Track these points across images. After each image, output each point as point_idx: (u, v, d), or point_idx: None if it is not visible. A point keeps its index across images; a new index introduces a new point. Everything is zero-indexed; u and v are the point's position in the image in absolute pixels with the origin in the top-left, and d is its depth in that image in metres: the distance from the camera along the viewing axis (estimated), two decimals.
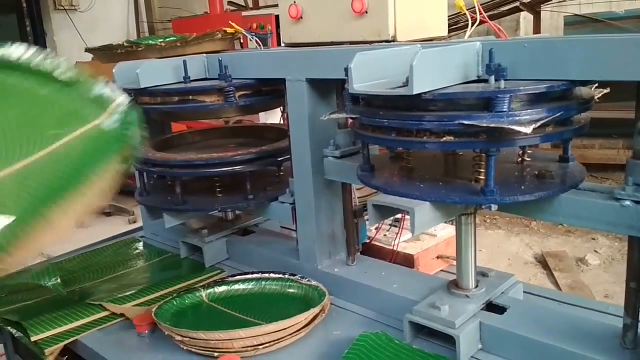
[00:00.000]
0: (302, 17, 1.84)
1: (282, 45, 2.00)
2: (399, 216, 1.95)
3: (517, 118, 1.12)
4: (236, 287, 1.78)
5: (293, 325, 1.48)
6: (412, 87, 1.13)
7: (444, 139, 1.20)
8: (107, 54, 2.07)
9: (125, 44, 2.01)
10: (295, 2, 1.83)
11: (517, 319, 1.41)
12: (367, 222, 1.90)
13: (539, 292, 1.73)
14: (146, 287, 1.88)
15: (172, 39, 2.05)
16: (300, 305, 1.61)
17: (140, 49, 2.01)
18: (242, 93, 1.86)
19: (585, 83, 1.27)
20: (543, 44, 1.21)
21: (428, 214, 1.28)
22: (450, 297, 1.49)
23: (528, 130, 1.09)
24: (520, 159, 1.44)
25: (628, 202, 1.16)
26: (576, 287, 3.88)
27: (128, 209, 6.20)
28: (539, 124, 1.12)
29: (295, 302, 1.67)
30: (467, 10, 1.52)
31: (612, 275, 4.07)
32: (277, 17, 5.23)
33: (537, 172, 1.32)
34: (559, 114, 1.16)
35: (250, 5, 7.89)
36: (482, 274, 1.57)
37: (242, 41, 3.03)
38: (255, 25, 5.12)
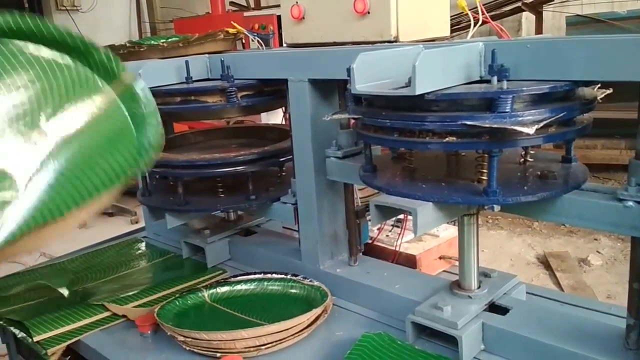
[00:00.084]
0: (304, 17, 1.84)
1: (284, 45, 2.00)
2: (401, 216, 1.95)
3: (520, 118, 1.12)
4: (238, 287, 1.79)
5: (295, 326, 1.48)
6: (415, 87, 1.13)
7: (446, 139, 1.20)
8: None
9: (128, 44, 2.02)
10: (297, 2, 1.83)
11: (519, 319, 1.41)
12: (369, 223, 1.90)
13: (541, 293, 1.73)
14: (148, 287, 1.88)
15: (174, 39, 2.05)
16: (302, 306, 1.61)
17: (142, 49, 2.01)
18: (244, 93, 1.86)
19: (587, 83, 1.26)
20: (545, 44, 1.21)
21: (430, 214, 1.27)
22: (453, 297, 1.49)
23: (530, 130, 1.09)
24: (522, 159, 1.43)
25: (630, 203, 1.15)
26: (578, 288, 3.87)
27: (130, 209, 6.20)
28: (541, 124, 1.12)
29: (297, 302, 1.67)
30: (469, 10, 1.52)
31: (615, 276, 4.06)
32: (279, 17, 5.25)
33: (539, 173, 1.32)
34: (561, 115, 1.16)
35: (252, 6, 7.89)
36: (484, 274, 1.56)
37: (243, 41, 3.03)
38: (256, 26, 5.13)
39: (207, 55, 1.96)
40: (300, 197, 1.80)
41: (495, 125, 1.12)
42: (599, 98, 1.29)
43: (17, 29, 0.88)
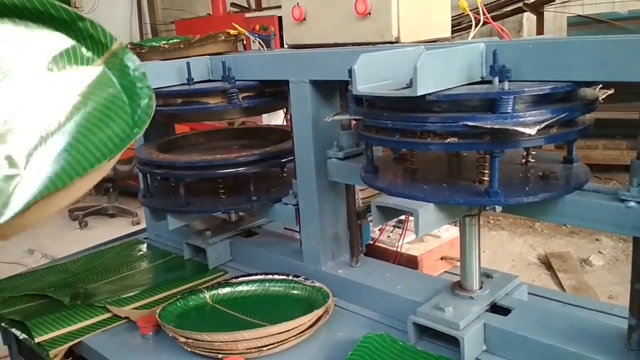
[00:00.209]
0: (305, 19, 1.84)
1: (285, 46, 2.00)
2: (402, 217, 1.95)
3: (521, 119, 1.12)
4: (240, 288, 1.79)
5: (297, 327, 1.48)
6: (416, 88, 1.13)
7: (448, 140, 1.20)
8: None
9: (129, 46, 2.02)
10: (298, 4, 1.83)
11: (521, 320, 1.40)
12: (371, 223, 1.90)
13: (543, 293, 1.73)
14: (150, 288, 1.88)
15: (175, 40, 2.06)
16: (304, 307, 1.61)
17: (143, 51, 2.01)
18: (245, 94, 1.86)
19: (589, 84, 1.26)
20: (547, 44, 1.21)
21: (432, 215, 1.27)
22: (454, 298, 1.49)
23: (532, 131, 1.09)
24: (524, 160, 1.43)
25: (632, 203, 1.15)
26: (580, 288, 3.87)
27: (131, 210, 6.21)
28: (543, 125, 1.12)
29: (299, 303, 1.67)
30: (470, 10, 1.52)
31: (616, 276, 4.06)
32: (280, 18, 5.26)
33: (541, 173, 1.31)
34: (563, 115, 1.16)
35: (253, 7, 7.89)
36: (486, 275, 1.56)
37: (244, 43, 3.03)
38: (258, 27, 5.13)
39: (208, 56, 1.97)
40: (302, 198, 1.80)
41: (496, 126, 1.11)
42: (600, 99, 1.29)
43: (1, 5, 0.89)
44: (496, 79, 1.19)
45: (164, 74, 1.86)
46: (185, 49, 2.02)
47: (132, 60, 0.95)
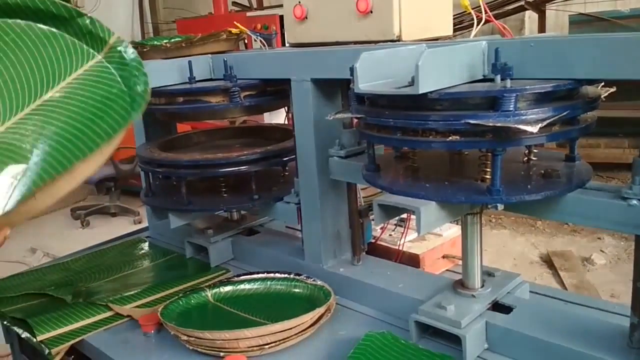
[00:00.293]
0: (306, 17, 1.84)
1: (287, 45, 2.00)
2: (404, 216, 1.95)
3: (523, 117, 1.11)
4: (241, 286, 1.79)
5: (298, 325, 1.48)
6: (418, 86, 1.12)
7: (450, 138, 1.20)
8: None
9: (131, 45, 2.02)
10: (299, 2, 1.83)
11: (523, 318, 1.40)
12: (372, 222, 1.90)
13: (545, 292, 1.73)
14: (151, 286, 1.88)
15: (177, 39, 2.06)
16: (306, 305, 1.61)
17: (145, 50, 2.01)
18: (247, 93, 1.86)
19: (591, 82, 1.26)
20: (549, 42, 1.21)
21: (434, 213, 1.27)
22: (456, 296, 1.49)
23: (534, 129, 1.09)
24: (526, 158, 1.43)
25: (635, 201, 1.15)
26: (582, 287, 3.87)
27: (133, 209, 6.23)
28: (545, 122, 1.12)
29: (301, 301, 1.68)
30: (472, 9, 1.51)
31: (618, 275, 4.06)
32: (281, 17, 5.25)
33: (543, 171, 1.31)
34: (565, 113, 1.16)
35: (255, 6, 7.89)
36: (487, 273, 1.56)
37: (246, 42, 3.04)
38: (259, 26, 5.14)
39: (210, 55, 1.97)
40: (304, 197, 1.80)
41: (498, 124, 1.11)
42: (602, 97, 1.28)
43: (4, 5, 0.92)
44: (498, 77, 1.18)
45: (165, 72, 1.86)
46: (186, 47, 2.02)
47: (128, 52, 0.99)
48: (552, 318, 1.40)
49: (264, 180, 2.00)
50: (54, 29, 0.95)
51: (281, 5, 1.94)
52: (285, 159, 1.94)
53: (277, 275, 1.80)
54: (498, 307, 1.48)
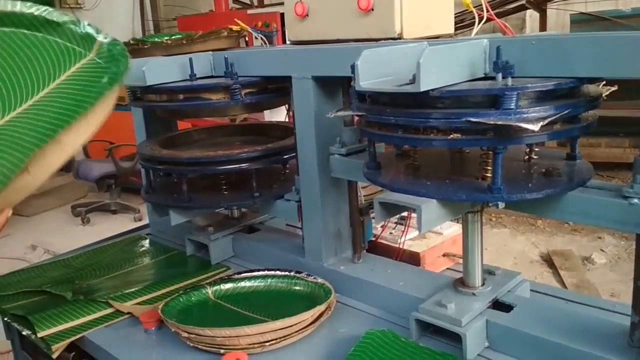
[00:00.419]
0: (307, 15, 1.83)
1: (288, 42, 2.00)
2: (404, 214, 1.95)
3: (525, 115, 1.11)
4: (242, 284, 1.79)
5: (299, 322, 1.48)
6: (419, 84, 1.12)
7: (451, 136, 1.19)
8: None
9: (131, 42, 2.02)
10: (301, 0, 1.83)
11: (523, 317, 1.40)
12: (373, 220, 1.90)
13: (545, 290, 1.72)
14: (152, 284, 1.89)
15: (177, 36, 2.06)
16: (306, 303, 1.61)
17: (146, 47, 2.01)
18: (247, 90, 1.86)
19: (592, 80, 1.26)
20: (550, 41, 1.21)
21: (435, 211, 1.27)
22: (457, 294, 1.49)
23: (535, 127, 1.09)
24: (527, 157, 1.43)
25: (636, 200, 1.15)
26: (582, 286, 3.87)
27: (133, 206, 6.23)
28: (546, 121, 1.11)
29: (301, 299, 1.68)
30: (474, 7, 1.51)
31: (618, 274, 4.06)
32: (282, 14, 5.25)
33: (544, 170, 1.31)
34: (566, 112, 1.16)
35: (255, 4, 7.89)
36: (488, 271, 1.56)
37: (247, 39, 3.04)
38: (260, 23, 5.13)
39: (210, 52, 1.97)
40: (304, 195, 1.80)
41: (500, 122, 1.11)
42: (604, 95, 1.28)
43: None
44: (499, 75, 1.18)
45: (166, 69, 1.86)
46: (187, 45, 2.02)
47: (115, 46, 1.02)
48: (553, 317, 1.40)
49: (264, 177, 2.00)
50: (47, 36, 0.99)
51: (282, 3, 1.94)
52: (285, 156, 1.94)
53: (278, 272, 1.80)
54: (498, 305, 1.48)
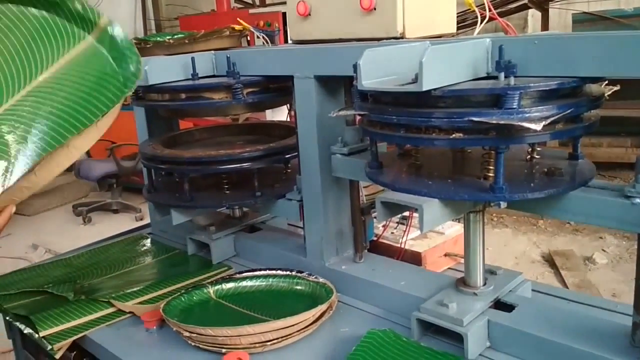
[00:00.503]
0: (310, 14, 1.83)
1: (290, 42, 2.00)
2: (406, 213, 1.95)
3: (527, 115, 1.11)
4: (243, 283, 1.79)
5: (300, 322, 1.48)
6: (422, 83, 1.12)
7: (453, 135, 1.19)
8: None
9: (134, 41, 2.01)
10: None
11: (525, 316, 1.40)
12: (375, 219, 1.89)
13: (547, 290, 1.72)
14: (154, 283, 1.89)
15: (180, 35, 2.06)
16: (308, 302, 1.62)
17: (148, 46, 2.01)
18: (249, 90, 1.86)
19: (595, 80, 1.26)
20: (553, 40, 1.21)
21: (436, 210, 1.27)
22: (458, 294, 1.49)
23: (538, 127, 1.09)
24: (529, 156, 1.43)
25: (638, 200, 1.15)
26: (583, 286, 3.87)
27: (135, 206, 6.23)
28: (548, 120, 1.11)
29: (303, 299, 1.68)
30: (476, 7, 1.51)
31: (620, 274, 4.05)
32: (284, 14, 5.26)
33: (546, 170, 1.31)
34: (568, 111, 1.16)
35: (257, 3, 7.89)
36: (490, 271, 1.56)
37: (248, 38, 3.04)
38: (262, 23, 5.14)
39: (212, 52, 1.97)
40: (306, 194, 1.80)
41: (502, 122, 1.11)
42: (606, 95, 1.28)
43: None
44: (502, 75, 1.18)
45: (168, 69, 1.86)
46: (189, 44, 2.02)
47: (118, 33, 1.03)
48: (554, 317, 1.39)
49: (266, 177, 2.00)
50: (45, 13, 0.98)
51: (283, 3, 1.94)
52: (287, 156, 1.94)
53: (279, 272, 1.80)
54: (500, 305, 1.48)
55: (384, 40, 1.64)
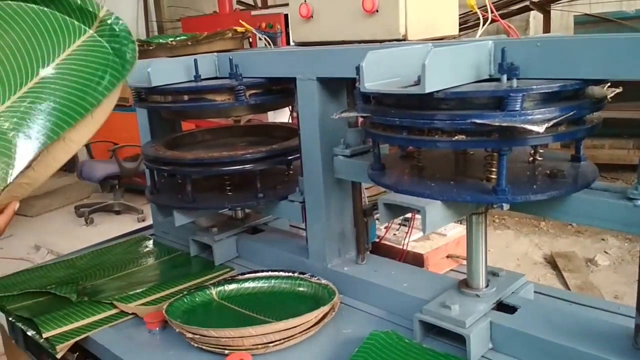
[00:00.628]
0: (312, 16, 1.84)
1: (292, 44, 2.01)
2: (408, 215, 1.95)
3: (530, 117, 1.11)
4: (246, 285, 1.79)
5: (303, 323, 1.48)
6: (424, 85, 1.13)
7: (456, 137, 1.20)
8: None
9: (137, 43, 2.02)
10: (305, 1, 1.83)
11: (527, 318, 1.40)
12: (377, 221, 1.90)
13: (549, 292, 1.72)
14: (156, 284, 1.89)
15: (182, 37, 2.06)
16: (310, 304, 1.62)
17: (151, 48, 2.02)
18: (252, 92, 1.86)
19: (597, 82, 1.26)
20: (555, 42, 1.21)
21: (439, 212, 1.27)
22: (461, 296, 1.49)
23: (540, 129, 1.09)
24: (531, 158, 1.43)
25: None
26: (585, 288, 3.86)
27: (137, 207, 6.24)
28: (551, 122, 1.11)
29: (305, 300, 1.68)
30: (478, 8, 1.51)
31: (622, 276, 4.04)
32: (286, 16, 5.26)
33: (548, 171, 1.31)
34: (571, 113, 1.16)
35: (259, 5, 7.90)
36: (492, 273, 1.56)
37: (250, 40, 3.04)
38: (264, 25, 5.14)
39: (215, 53, 1.97)
40: (308, 196, 1.80)
41: (504, 124, 1.11)
42: (608, 97, 1.28)
43: None
44: (504, 77, 1.18)
45: (171, 70, 1.87)
46: (192, 46, 2.02)
47: (118, 24, 1.04)
48: (557, 318, 1.39)
49: (268, 178, 2.00)
50: (45, 8, 0.99)
51: (285, 4, 1.95)
52: (290, 157, 1.95)
53: (282, 273, 1.80)
54: (502, 307, 1.48)
55: (386, 43, 1.65)
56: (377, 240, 2.02)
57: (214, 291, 1.75)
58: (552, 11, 6.27)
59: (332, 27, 1.80)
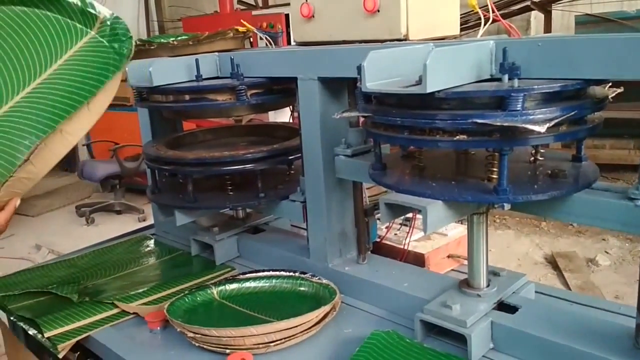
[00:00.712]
0: (313, 16, 1.84)
1: (293, 43, 2.01)
2: (409, 215, 1.95)
3: (531, 117, 1.12)
4: (247, 284, 1.79)
5: (304, 323, 1.48)
6: (425, 85, 1.13)
7: (457, 137, 1.20)
8: None
9: (138, 42, 2.02)
10: (307, 1, 1.83)
11: (528, 318, 1.40)
12: (378, 221, 1.90)
13: (550, 292, 1.72)
14: (157, 284, 1.89)
15: (183, 37, 2.06)
16: (311, 303, 1.62)
17: (152, 47, 2.02)
18: (253, 91, 1.86)
19: (598, 82, 1.26)
20: (556, 42, 1.21)
21: (440, 212, 1.27)
22: (461, 296, 1.49)
23: (542, 129, 1.09)
24: (532, 158, 1.43)
25: None
26: (586, 288, 3.86)
27: (138, 206, 6.25)
28: (552, 122, 1.12)
29: (306, 300, 1.68)
30: (479, 8, 1.52)
31: (623, 276, 4.04)
32: (287, 15, 5.26)
33: (549, 171, 1.31)
34: (572, 113, 1.16)
35: (260, 4, 7.90)
36: (493, 273, 1.56)
37: (251, 40, 3.05)
38: (265, 24, 5.14)
39: (216, 53, 1.97)
40: (309, 195, 1.81)
41: (506, 124, 1.11)
42: (610, 97, 1.28)
43: None
44: (506, 77, 1.19)
45: (172, 70, 1.87)
46: (193, 45, 2.02)
47: (118, 24, 1.07)
48: (558, 318, 1.39)
49: (269, 178, 2.00)
50: (47, 12, 1.00)
51: (286, 4, 1.96)
52: (291, 157, 1.95)
53: (283, 273, 1.80)
54: (503, 306, 1.48)
55: (388, 42, 1.65)
56: (378, 240, 2.02)
57: (215, 291, 1.76)
58: (553, 11, 6.27)
59: (334, 26, 1.80)
